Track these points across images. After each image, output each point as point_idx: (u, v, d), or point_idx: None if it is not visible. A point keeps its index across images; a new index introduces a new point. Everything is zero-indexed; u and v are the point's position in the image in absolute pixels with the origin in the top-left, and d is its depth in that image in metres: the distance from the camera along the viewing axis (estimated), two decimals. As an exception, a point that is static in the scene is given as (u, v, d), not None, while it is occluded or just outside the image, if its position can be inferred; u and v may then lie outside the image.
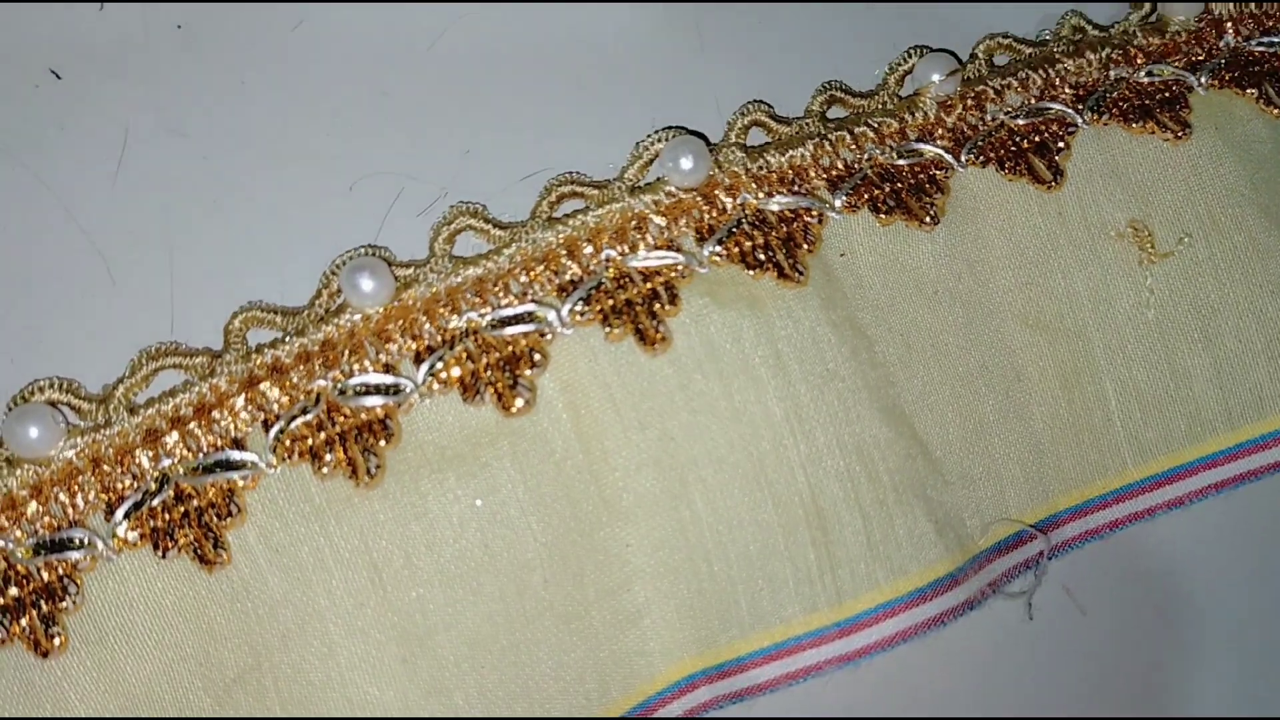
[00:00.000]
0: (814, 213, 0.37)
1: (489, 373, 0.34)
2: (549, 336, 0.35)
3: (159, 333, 0.34)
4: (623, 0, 0.40)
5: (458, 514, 0.34)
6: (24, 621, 0.30)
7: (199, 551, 0.32)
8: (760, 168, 0.37)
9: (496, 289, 0.35)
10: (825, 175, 0.38)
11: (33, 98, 0.36)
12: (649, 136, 0.37)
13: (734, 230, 0.36)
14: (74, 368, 0.33)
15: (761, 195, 0.37)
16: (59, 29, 0.37)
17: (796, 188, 0.37)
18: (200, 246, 0.36)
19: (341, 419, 0.33)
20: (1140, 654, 0.39)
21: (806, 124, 0.39)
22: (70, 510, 0.31)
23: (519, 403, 0.34)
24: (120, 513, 0.31)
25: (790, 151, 0.38)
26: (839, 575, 0.36)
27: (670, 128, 0.37)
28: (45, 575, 0.31)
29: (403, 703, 0.32)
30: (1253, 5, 0.42)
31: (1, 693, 0.31)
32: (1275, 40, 0.42)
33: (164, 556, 0.31)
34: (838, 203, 0.37)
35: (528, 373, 0.34)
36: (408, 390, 0.33)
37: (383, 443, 0.33)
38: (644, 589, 0.35)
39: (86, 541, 0.31)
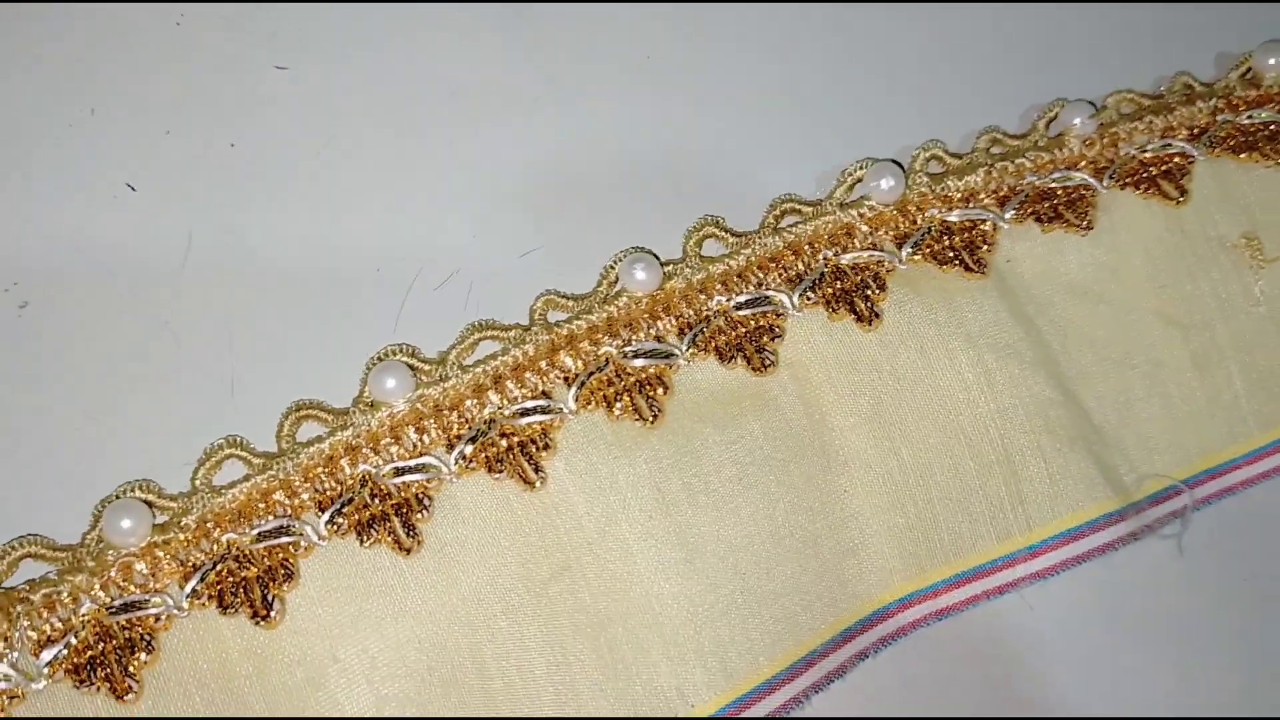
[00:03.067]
0: (988, 223, 0.46)
1: (740, 342, 0.42)
2: (783, 316, 0.43)
3: (217, 393, 0.41)
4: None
5: (718, 452, 0.41)
6: (389, 525, 0.38)
7: (521, 474, 0.39)
8: (943, 189, 0.46)
9: (738, 280, 0.43)
10: (994, 196, 0.46)
11: (113, 207, 0.42)
12: (854, 164, 0.45)
13: (925, 235, 0.45)
14: (144, 417, 0.40)
15: (944, 210, 0.45)
16: (133, 150, 0.43)
17: (971, 205, 0.46)
18: (253, 323, 0.42)
19: (627, 376, 0.41)
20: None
21: (975, 157, 0.47)
22: (418, 445, 0.39)
23: (766, 365, 0.42)
24: (460, 446, 0.39)
25: (966, 177, 0.46)
26: (1028, 508, 0.43)
27: (868, 158, 0.46)
28: (403, 494, 0.39)
29: (687, 595, 0.39)
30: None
31: (360, 585, 0.38)
32: (1353, 91, 0.50)
33: (495, 476, 0.39)
34: (1008, 215, 0.46)
35: (769, 343, 0.42)
36: (676, 355, 0.41)
37: (660, 392, 0.41)
38: (861, 527, 0.42)
39: (433, 467, 0.39)
